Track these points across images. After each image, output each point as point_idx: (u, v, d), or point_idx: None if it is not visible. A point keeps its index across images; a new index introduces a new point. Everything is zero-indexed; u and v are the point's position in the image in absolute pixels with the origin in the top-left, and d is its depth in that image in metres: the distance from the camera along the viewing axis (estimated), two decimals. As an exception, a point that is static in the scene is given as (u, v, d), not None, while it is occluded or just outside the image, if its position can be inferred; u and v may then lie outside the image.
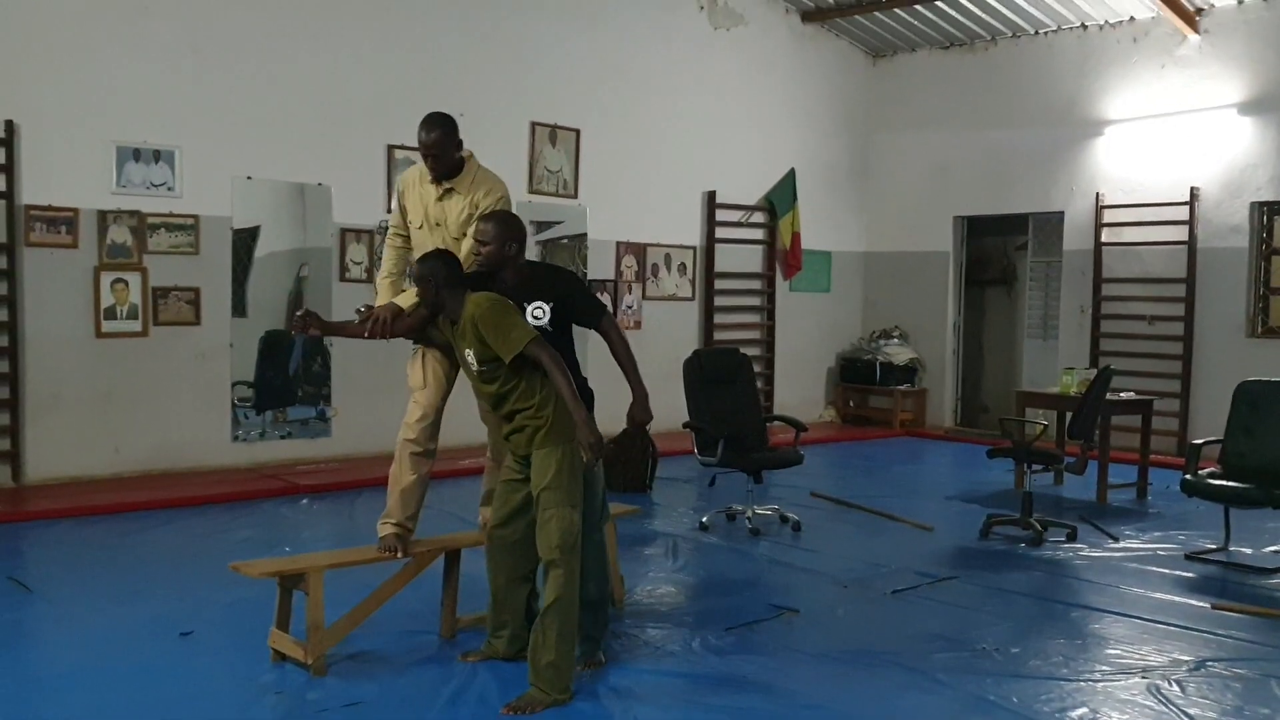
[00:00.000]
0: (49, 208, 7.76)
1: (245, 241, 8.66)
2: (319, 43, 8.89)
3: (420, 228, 4.84)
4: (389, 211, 5.48)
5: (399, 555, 4.64)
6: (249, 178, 8.58)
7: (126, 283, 8.10)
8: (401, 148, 8.82)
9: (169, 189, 8.24)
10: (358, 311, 4.63)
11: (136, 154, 8.10)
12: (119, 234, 8.04)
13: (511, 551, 4.39)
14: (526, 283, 4.43)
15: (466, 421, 5.08)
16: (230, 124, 8.44)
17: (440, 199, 4.77)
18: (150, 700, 4.09)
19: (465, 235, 4.68)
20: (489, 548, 4.46)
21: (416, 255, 4.69)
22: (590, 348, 5.07)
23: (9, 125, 7.57)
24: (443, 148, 4.71)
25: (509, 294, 4.31)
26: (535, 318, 4.37)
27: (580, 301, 4.61)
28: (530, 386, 4.15)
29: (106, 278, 8.01)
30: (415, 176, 4.89)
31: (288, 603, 4.44)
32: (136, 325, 8.15)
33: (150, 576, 5.79)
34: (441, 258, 4.27)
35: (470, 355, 4.17)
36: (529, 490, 4.23)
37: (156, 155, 8.19)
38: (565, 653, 4.08)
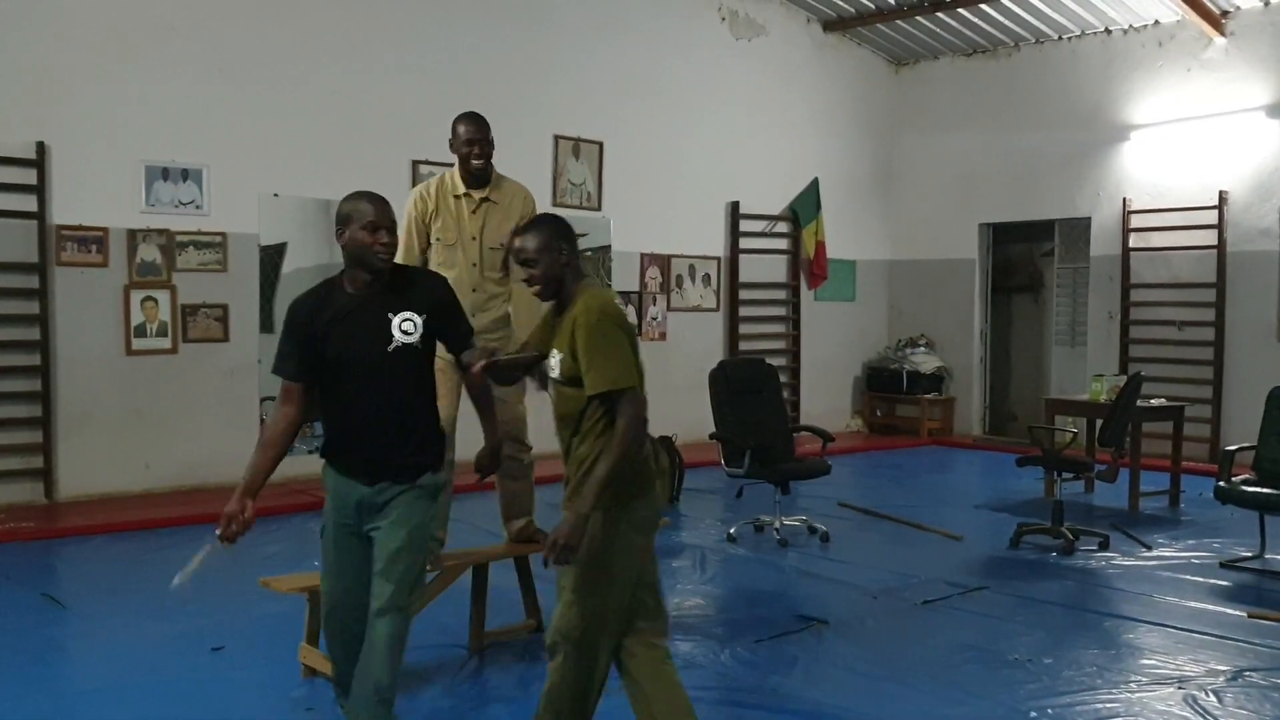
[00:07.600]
0: (79, 227, 7.85)
1: (272, 258, 8.73)
2: (343, 60, 8.96)
3: (453, 244, 4.57)
4: None
5: (428, 570, 4.63)
6: (275, 195, 8.65)
7: (156, 300, 8.18)
8: (426, 163, 8.86)
9: (197, 207, 8.32)
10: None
11: (165, 173, 8.19)
12: (148, 252, 8.12)
13: None
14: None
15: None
16: (256, 141, 8.52)
17: (474, 211, 4.56)
18: (182, 715, 4.13)
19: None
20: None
21: (450, 271, 4.39)
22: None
23: (40, 146, 7.67)
24: (492, 146, 4.34)
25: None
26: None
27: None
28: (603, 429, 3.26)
29: (136, 295, 8.09)
30: (434, 191, 4.65)
31: (318, 617, 4.45)
32: (166, 342, 8.23)
33: (181, 592, 5.80)
34: (556, 222, 3.34)
35: (554, 360, 3.26)
36: None
37: (185, 174, 8.27)
38: None
